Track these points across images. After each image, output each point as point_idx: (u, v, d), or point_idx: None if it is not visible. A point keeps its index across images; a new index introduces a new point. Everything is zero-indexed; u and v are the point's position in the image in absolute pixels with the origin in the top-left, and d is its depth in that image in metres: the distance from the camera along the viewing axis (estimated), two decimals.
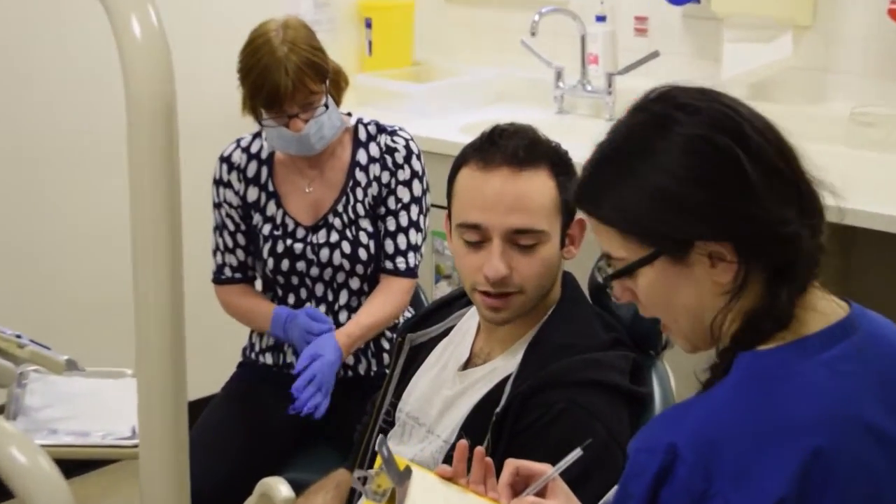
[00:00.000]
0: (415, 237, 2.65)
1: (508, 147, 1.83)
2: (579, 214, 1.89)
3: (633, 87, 1.44)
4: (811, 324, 1.38)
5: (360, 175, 2.66)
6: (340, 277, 2.67)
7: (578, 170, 1.89)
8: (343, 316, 2.69)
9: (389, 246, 2.65)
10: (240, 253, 2.73)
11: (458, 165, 1.89)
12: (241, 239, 2.71)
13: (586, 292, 1.98)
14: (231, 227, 2.71)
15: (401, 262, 2.65)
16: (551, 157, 1.85)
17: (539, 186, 1.83)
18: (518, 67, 4.03)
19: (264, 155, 2.70)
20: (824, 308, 1.40)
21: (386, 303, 2.64)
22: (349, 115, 2.72)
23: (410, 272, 2.66)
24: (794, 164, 1.39)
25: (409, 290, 2.66)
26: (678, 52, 3.63)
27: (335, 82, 2.65)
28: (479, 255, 1.85)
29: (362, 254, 2.64)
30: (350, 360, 2.68)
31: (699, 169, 1.35)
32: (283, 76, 2.47)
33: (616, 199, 1.39)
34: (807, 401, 1.33)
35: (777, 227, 1.35)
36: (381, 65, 4.15)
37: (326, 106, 2.55)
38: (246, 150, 2.70)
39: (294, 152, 2.61)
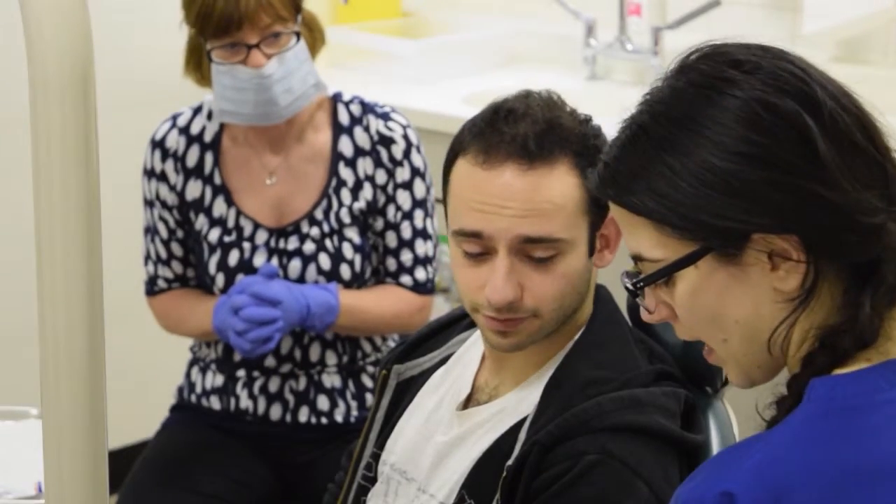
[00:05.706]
0: (423, 248, 2.67)
1: (516, 135, 1.83)
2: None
3: (687, 46, 1.45)
4: None
5: (345, 172, 2.66)
6: None
7: None
8: (314, 352, 2.69)
9: (391, 264, 2.68)
10: (176, 265, 2.74)
11: (455, 153, 1.89)
12: (176, 249, 2.73)
13: (624, 311, 1.99)
14: (164, 233, 2.71)
15: (406, 280, 2.68)
16: (574, 145, 1.85)
17: (556, 184, 1.83)
18: (538, 20, 4.04)
19: (208, 137, 2.69)
20: None
21: (394, 306, 2.66)
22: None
23: (420, 288, 2.69)
24: (879, 140, 1.41)
25: (421, 307, 2.68)
26: (745, 0, 3.64)
27: (309, 29, 2.66)
28: (481, 269, 1.85)
29: (345, 271, 2.65)
30: (324, 405, 2.69)
31: (758, 141, 1.37)
32: None
33: (652, 181, 1.40)
34: None
35: (856, 215, 1.37)
36: (360, 15, 4.16)
37: (297, 35, 2.55)
38: (184, 130, 2.70)
39: (249, 112, 2.57)
